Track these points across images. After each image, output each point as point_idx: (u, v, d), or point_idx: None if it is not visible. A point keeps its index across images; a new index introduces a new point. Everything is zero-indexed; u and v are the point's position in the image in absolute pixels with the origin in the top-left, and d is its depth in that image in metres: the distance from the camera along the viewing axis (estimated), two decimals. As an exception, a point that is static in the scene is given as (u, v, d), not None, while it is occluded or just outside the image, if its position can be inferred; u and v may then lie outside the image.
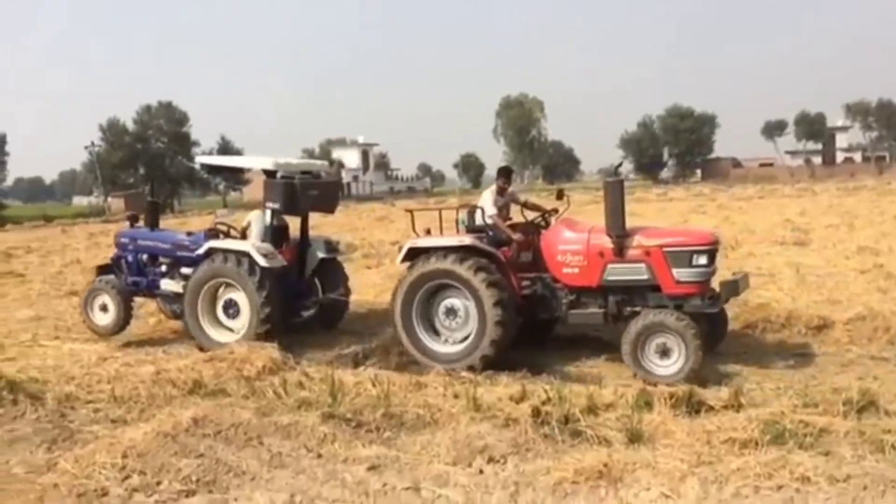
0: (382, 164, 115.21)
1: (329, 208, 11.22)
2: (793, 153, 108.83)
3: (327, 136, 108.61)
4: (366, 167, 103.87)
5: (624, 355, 8.11)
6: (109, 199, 71.79)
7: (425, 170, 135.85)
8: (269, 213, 10.49)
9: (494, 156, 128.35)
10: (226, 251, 10.08)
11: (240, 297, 9.97)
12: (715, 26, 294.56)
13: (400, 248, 9.36)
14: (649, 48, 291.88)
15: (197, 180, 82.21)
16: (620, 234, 8.40)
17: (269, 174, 10.59)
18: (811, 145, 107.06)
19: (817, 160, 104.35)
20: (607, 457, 5.28)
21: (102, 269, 11.98)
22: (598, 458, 5.26)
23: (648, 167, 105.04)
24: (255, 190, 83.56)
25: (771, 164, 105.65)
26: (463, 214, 9.66)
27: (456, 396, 7.10)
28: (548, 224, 9.56)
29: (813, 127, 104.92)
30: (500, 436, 5.86)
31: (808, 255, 16.77)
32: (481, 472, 5.40)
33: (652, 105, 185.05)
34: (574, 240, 8.76)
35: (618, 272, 8.50)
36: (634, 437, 5.81)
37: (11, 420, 6.93)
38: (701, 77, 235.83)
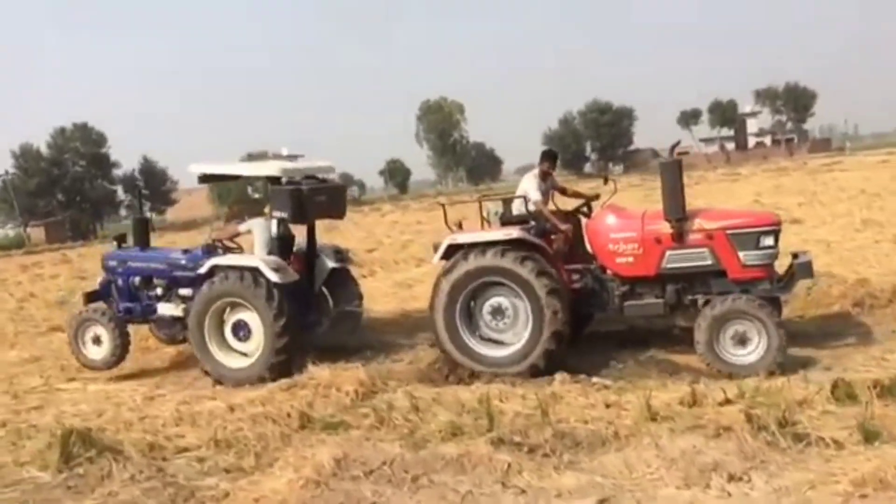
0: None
1: (338, 214, 10.15)
2: (706, 140, 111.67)
3: (247, 149, 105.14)
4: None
5: (697, 346, 7.54)
6: (28, 229, 67.83)
7: (346, 179, 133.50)
8: (274, 222, 9.48)
9: (419, 160, 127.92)
10: (231, 268, 9.03)
11: (250, 316, 8.97)
12: (628, 19, 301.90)
13: (435, 246, 8.52)
14: (566, 43, 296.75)
15: (119, 203, 78.64)
16: (681, 217, 7.81)
17: (274, 181, 9.51)
18: (725, 132, 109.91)
19: (730, 146, 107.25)
20: (877, 461, 4.57)
21: (91, 297, 10.75)
22: (870, 465, 4.55)
23: (572, 162, 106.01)
24: (179, 211, 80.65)
25: (687, 153, 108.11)
26: (494, 206, 8.88)
27: (609, 406, 6.31)
28: (590, 211, 8.94)
29: (726, 114, 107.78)
30: (720, 447, 5.09)
31: (817, 231, 16.58)
32: (729, 494, 4.61)
33: (572, 101, 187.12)
34: (627, 226, 8.14)
35: (678, 259, 7.93)
36: (870, 436, 5.11)
37: (100, 481, 5.75)
38: (617, 71, 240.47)
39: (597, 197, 9.01)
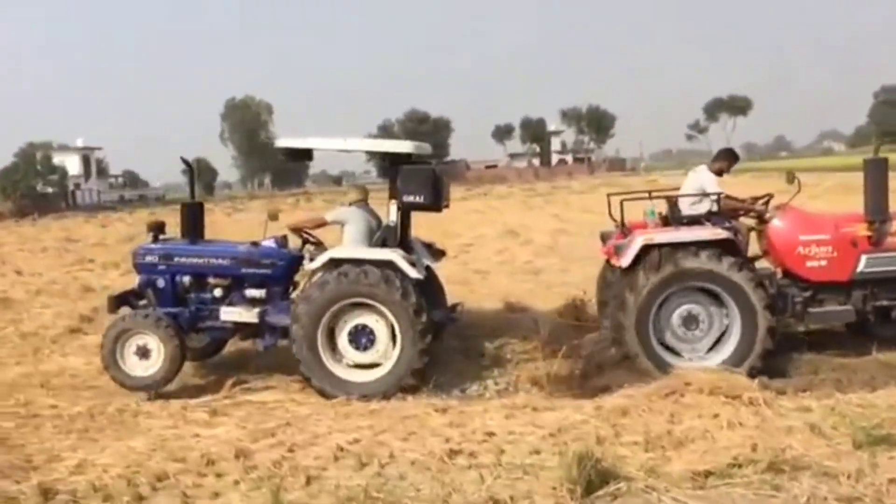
0: (101, 170, 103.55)
1: (448, 202, 8.70)
2: (514, 155, 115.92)
3: (29, 139, 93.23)
4: (88, 174, 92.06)
5: None
6: None
7: (131, 177, 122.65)
8: (394, 208, 7.91)
9: (224, 160, 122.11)
10: (361, 262, 7.46)
11: (374, 321, 7.53)
12: (449, 33, 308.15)
13: (616, 249, 7.61)
14: (384, 51, 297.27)
15: None
16: (885, 218, 7.51)
17: (401, 161, 7.94)
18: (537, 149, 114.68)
19: (536, 162, 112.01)
20: None
21: (119, 301, 8.57)
22: None
23: (390, 171, 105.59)
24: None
25: (495, 167, 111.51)
26: (651, 205, 8.06)
27: None
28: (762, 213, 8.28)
29: (535, 131, 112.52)
30: None
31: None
32: None
33: (390, 109, 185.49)
34: (819, 228, 7.74)
35: (875, 263, 7.60)
36: None
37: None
38: (436, 83, 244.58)
39: (771, 196, 8.35)
